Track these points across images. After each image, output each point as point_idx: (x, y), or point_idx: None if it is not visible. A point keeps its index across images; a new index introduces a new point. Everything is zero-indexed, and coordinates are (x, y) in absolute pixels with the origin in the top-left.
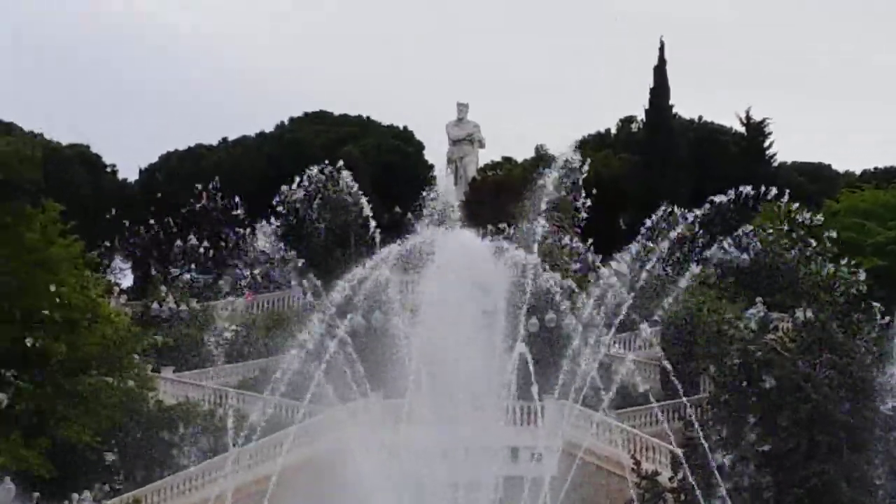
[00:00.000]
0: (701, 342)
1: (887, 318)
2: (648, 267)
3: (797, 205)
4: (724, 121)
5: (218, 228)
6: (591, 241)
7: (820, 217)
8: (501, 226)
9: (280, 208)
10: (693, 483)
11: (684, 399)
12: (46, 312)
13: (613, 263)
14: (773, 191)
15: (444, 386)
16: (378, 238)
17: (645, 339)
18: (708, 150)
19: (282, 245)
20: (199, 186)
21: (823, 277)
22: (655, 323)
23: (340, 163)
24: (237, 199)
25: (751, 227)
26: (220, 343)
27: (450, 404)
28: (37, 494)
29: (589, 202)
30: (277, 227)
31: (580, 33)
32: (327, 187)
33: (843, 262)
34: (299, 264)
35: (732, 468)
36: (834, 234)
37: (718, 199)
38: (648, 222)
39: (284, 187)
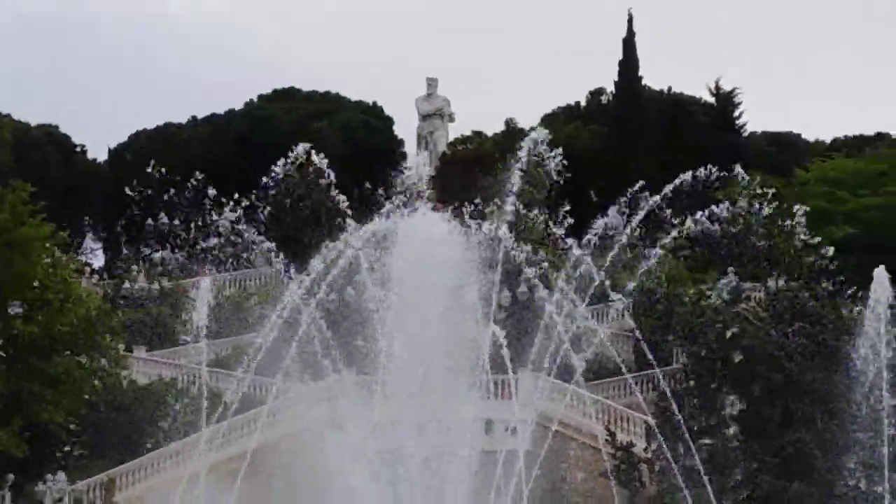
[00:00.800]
0: (675, 313)
1: (853, 288)
2: (617, 247)
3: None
4: (693, 92)
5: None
6: (564, 210)
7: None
8: (476, 202)
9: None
10: (667, 453)
11: (657, 370)
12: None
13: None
14: (738, 168)
15: (417, 361)
16: (349, 216)
17: (617, 310)
18: (677, 121)
19: (253, 229)
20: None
21: (794, 247)
22: (628, 295)
23: (309, 147)
24: (199, 178)
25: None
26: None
27: (423, 379)
28: (11, 475)
29: (561, 180)
30: (251, 207)
31: (549, 6)
32: (295, 175)
33: (806, 235)
34: (266, 247)
35: (706, 436)
36: (802, 211)
37: (684, 177)
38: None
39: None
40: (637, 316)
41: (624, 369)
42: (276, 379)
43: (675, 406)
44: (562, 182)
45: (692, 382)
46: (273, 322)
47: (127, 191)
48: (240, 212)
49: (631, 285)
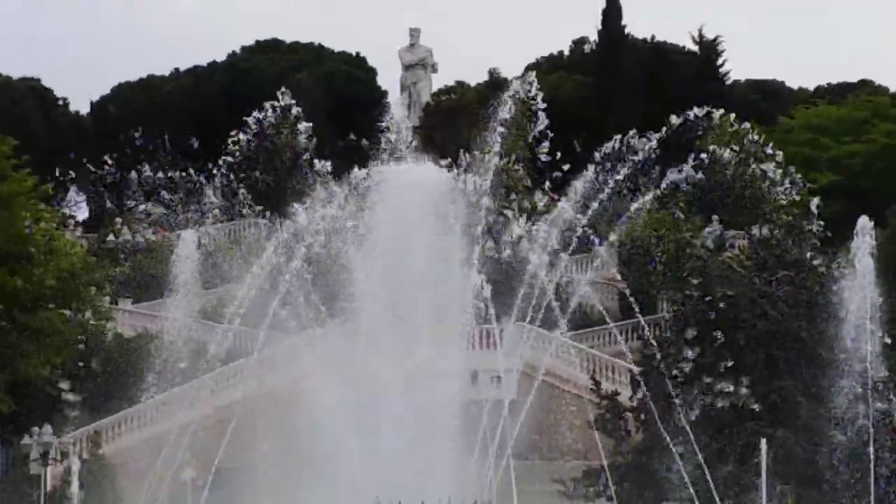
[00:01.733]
0: (659, 262)
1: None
2: (603, 196)
3: (747, 124)
4: (677, 40)
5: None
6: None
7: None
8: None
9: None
10: (651, 402)
11: (641, 318)
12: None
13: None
14: (721, 112)
15: (402, 311)
16: (329, 168)
17: (603, 260)
18: (661, 70)
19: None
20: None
21: (777, 194)
22: (612, 244)
23: (289, 97)
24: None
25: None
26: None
27: (407, 329)
28: None
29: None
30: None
31: None
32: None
33: (788, 182)
34: (247, 200)
35: (692, 385)
36: (779, 158)
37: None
38: (605, 148)
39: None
40: (622, 265)
41: (608, 318)
42: (260, 330)
43: (658, 355)
44: (548, 135)
45: (676, 330)
46: (255, 275)
47: (107, 159)
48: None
49: (614, 235)
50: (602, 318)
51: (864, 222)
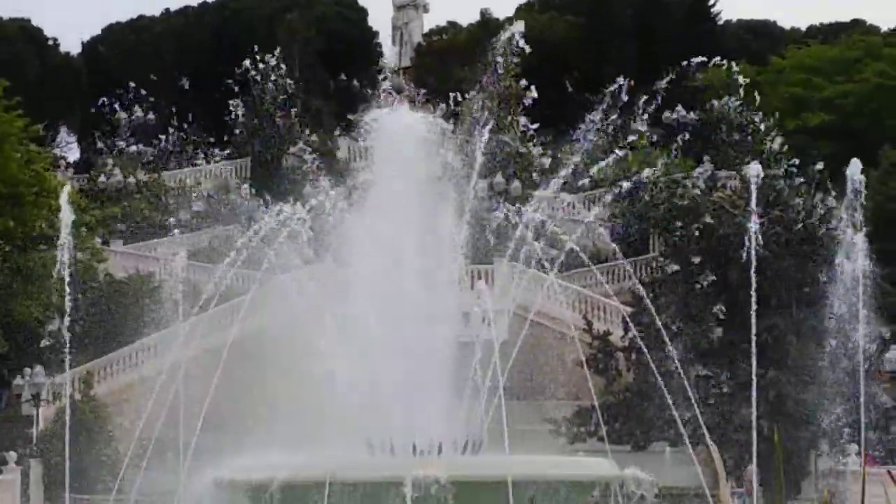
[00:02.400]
0: (651, 202)
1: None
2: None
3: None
4: None
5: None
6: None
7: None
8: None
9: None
10: (641, 342)
11: (625, 261)
12: None
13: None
14: (718, 59)
15: (393, 250)
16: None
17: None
18: (653, 11)
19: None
20: None
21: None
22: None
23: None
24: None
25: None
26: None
27: (399, 268)
28: None
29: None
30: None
31: None
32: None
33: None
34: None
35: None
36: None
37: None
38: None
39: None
40: (615, 205)
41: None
42: (257, 271)
43: (649, 295)
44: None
45: (668, 270)
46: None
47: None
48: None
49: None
50: (595, 258)
51: (854, 165)
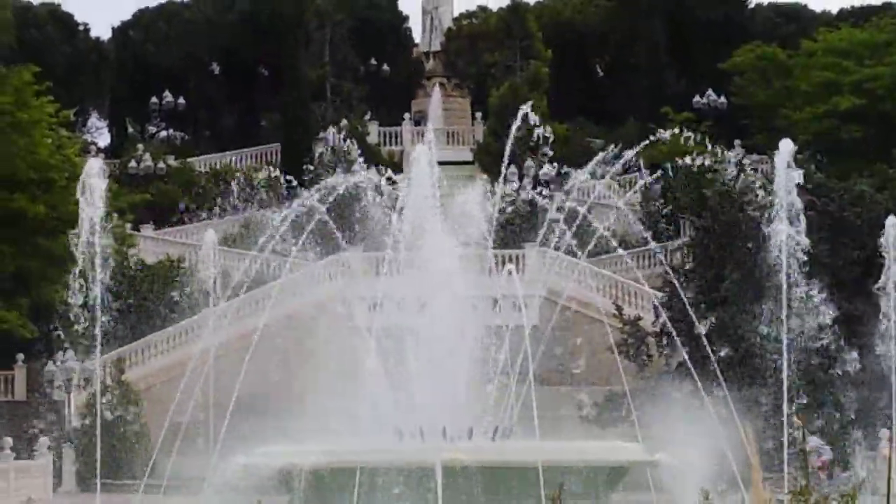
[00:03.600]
0: (681, 186)
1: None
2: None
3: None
4: None
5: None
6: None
7: None
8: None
9: None
10: (671, 328)
11: (655, 246)
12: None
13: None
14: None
15: (423, 236)
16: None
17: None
18: None
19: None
20: None
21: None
22: (638, 169)
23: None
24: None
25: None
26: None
27: (428, 255)
28: (21, 355)
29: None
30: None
31: None
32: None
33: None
34: None
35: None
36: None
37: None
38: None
39: None
40: (645, 190)
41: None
42: (287, 257)
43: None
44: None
45: (699, 254)
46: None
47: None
48: None
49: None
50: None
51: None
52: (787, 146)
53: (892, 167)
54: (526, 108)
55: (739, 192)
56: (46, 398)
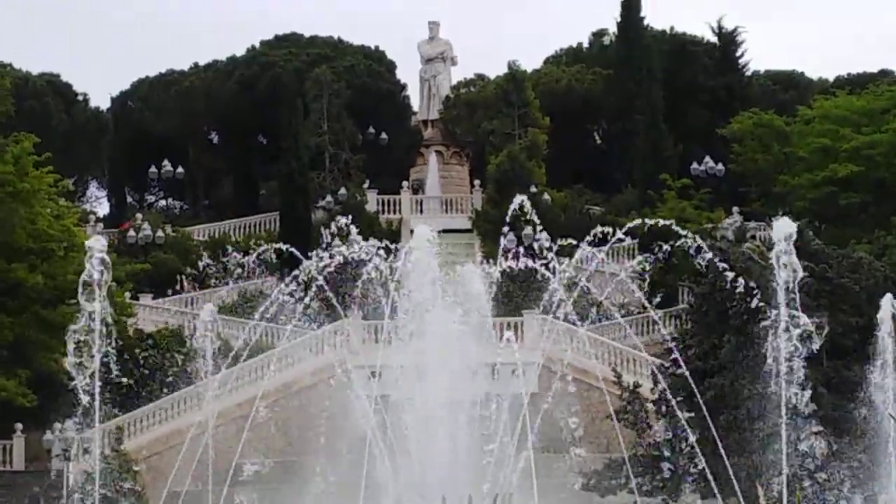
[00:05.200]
0: (679, 253)
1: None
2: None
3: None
4: (696, 31)
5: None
6: None
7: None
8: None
9: None
10: (670, 396)
11: (654, 313)
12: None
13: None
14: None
15: (423, 304)
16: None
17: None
18: (681, 62)
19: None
20: None
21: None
22: (634, 236)
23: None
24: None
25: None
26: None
27: (428, 322)
28: (19, 424)
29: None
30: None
31: None
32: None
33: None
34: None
35: (712, 378)
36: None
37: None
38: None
39: None
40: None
41: (617, 314)
42: (286, 326)
43: (677, 348)
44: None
45: (697, 322)
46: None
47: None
48: None
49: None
50: (629, 310)
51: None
52: (785, 227)
53: (890, 234)
54: (524, 200)
55: (737, 260)
56: (45, 468)
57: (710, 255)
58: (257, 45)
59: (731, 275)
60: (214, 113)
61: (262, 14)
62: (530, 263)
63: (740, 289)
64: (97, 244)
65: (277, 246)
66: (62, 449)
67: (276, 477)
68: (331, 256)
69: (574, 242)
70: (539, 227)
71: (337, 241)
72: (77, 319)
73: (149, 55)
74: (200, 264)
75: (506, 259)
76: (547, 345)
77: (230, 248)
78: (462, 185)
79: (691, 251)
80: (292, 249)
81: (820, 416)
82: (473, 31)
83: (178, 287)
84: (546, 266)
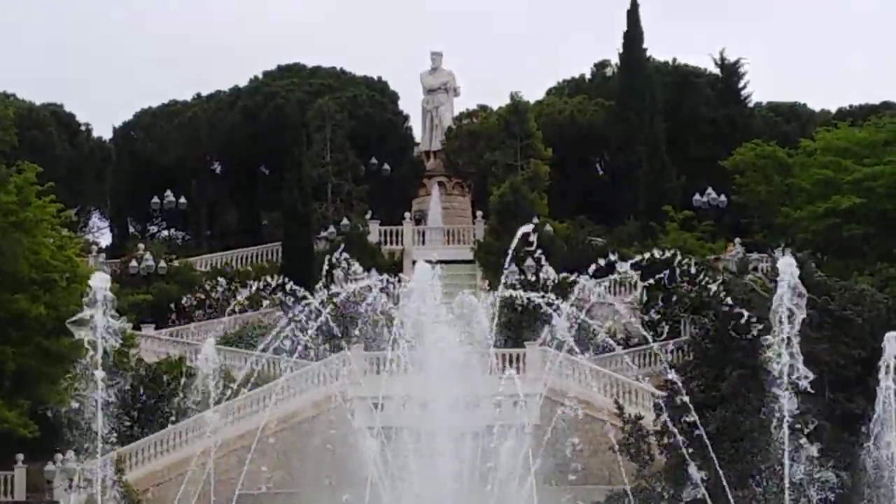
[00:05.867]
0: (680, 285)
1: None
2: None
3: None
4: (698, 62)
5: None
6: None
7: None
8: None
9: None
10: (673, 427)
11: (654, 345)
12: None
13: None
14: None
15: (425, 335)
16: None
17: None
18: (683, 94)
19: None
20: None
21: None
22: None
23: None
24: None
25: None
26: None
27: (430, 355)
28: (20, 455)
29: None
30: None
31: None
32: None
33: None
34: None
35: (714, 410)
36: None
37: None
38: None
39: None
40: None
41: (616, 346)
42: (287, 358)
43: (679, 380)
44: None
45: (698, 354)
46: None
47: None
48: None
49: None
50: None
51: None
52: (787, 266)
53: (892, 266)
54: (530, 230)
55: (740, 292)
56: (47, 499)
57: (713, 286)
58: (260, 75)
59: (730, 306)
60: (217, 143)
61: (265, 45)
62: (532, 296)
63: (743, 320)
64: (101, 282)
65: (279, 282)
66: (64, 480)
67: None
68: (330, 297)
69: (572, 278)
70: (542, 259)
71: (338, 272)
72: (82, 352)
73: (152, 86)
74: (202, 296)
75: (506, 287)
76: (549, 376)
77: (223, 280)
78: (464, 216)
79: (695, 280)
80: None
81: (821, 449)
82: (476, 62)
83: (174, 318)
84: (546, 301)
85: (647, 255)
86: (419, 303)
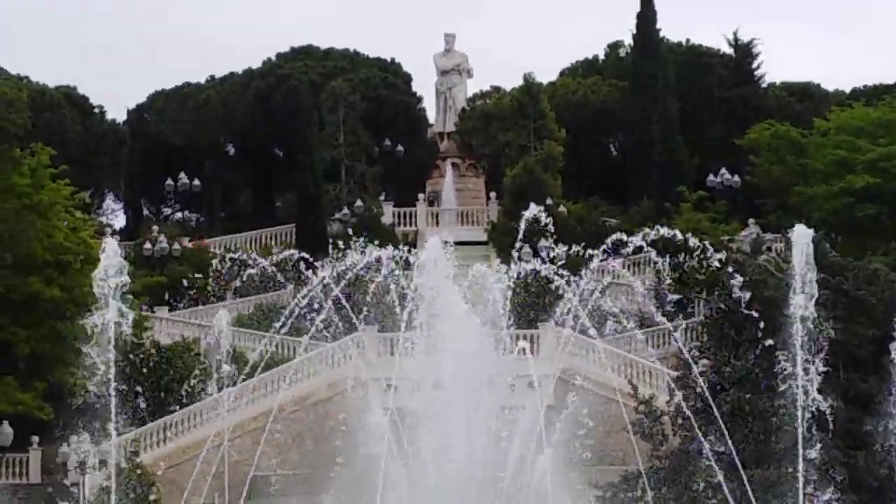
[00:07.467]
0: (695, 265)
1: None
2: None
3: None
4: (712, 43)
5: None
6: None
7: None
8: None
9: None
10: (686, 408)
11: (669, 325)
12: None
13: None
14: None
15: (438, 315)
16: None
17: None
18: (697, 74)
19: None
20: None
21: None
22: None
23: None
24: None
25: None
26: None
27: (444, 334)
28: (35, 437)
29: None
30: None
31: None
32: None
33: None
34: None
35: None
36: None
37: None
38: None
39: None
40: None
41: (630, 325)
42: (302, 338)
43: (692, 361)
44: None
45: (711, 335)
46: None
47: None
48: None
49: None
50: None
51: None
52: (803, 235)
53: None
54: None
55: (754, 272)
56: (61, 481)
57: (727, 266)
58: (273, 57)
59: (738, 290)
60: (230, 125)
61: (279, 27)
62: (546, 271)
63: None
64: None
65: (291, 252)
66: (78, 462)
67: (291, 490)
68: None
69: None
70: (554, 239)
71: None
72: (96, 335)
73: (165, 68)
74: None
75: (519, 266)
76: (563, 357)
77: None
78: (478, 197)
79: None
80: (304, 255)
81: (834, 430)
82: (489, 43)
83: (188, 296)
84: (560, 276)
85: (651, 233)
86: (432, 274)
